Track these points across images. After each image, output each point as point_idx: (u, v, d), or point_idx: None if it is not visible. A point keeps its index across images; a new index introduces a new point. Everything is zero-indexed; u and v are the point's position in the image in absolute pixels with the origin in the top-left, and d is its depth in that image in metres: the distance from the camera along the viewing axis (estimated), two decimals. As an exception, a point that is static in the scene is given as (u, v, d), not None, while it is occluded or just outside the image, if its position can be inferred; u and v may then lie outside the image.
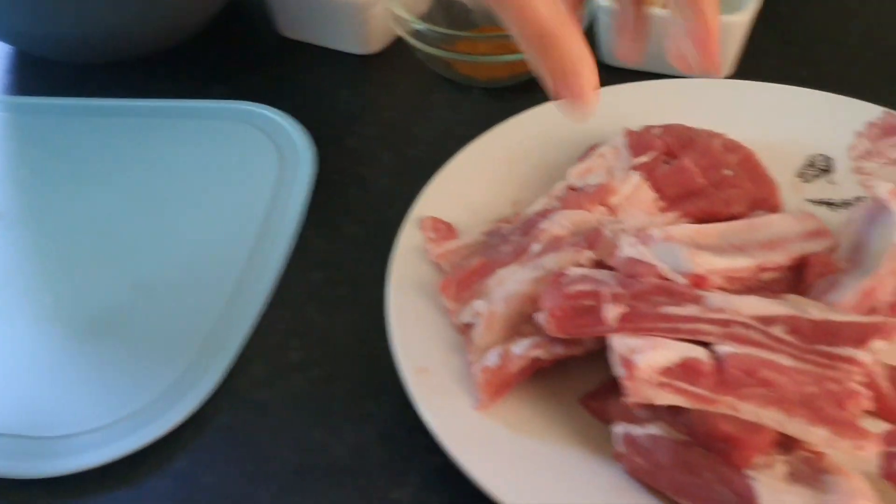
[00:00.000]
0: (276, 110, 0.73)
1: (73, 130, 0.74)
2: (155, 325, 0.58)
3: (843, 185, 0.62)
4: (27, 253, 0.64)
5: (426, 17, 0.77)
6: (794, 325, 0.44)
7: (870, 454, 0.42)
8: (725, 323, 0.45)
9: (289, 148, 0.70)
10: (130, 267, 0.62)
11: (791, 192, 0.63)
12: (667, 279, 0.48)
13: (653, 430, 0.45)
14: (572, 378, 0.51)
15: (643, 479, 0.45)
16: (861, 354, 0.43)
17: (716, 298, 0.46)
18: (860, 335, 0.44)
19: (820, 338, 0.44)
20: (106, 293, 0.60)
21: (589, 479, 0.46)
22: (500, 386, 0.49)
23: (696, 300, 0.46)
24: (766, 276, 0.52)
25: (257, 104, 0.74)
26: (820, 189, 0.63)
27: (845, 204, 0.61)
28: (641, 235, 0.49)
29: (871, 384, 0.47)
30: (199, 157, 0.71)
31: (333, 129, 0.73)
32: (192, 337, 0.57)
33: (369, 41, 0.79)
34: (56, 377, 0.55)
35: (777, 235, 0.54)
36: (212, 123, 0.73)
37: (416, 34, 0.73)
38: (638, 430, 0.45)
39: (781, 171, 0.63)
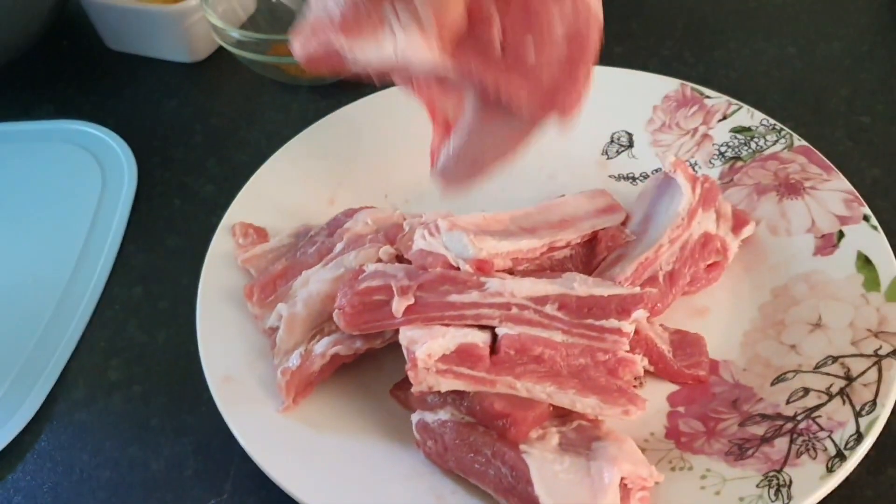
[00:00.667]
0: (99, 127, 0.73)
1: None
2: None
3: (643, 158, 0.65)
4: None
5: (250, 21, 0.77)
6: (563, 303, 0.47)
7: (636, 417, 0.45)
8: (504, 306, 0.47)
9: (112, 164, 0.70)
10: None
11: (597, 170, 0.65)
12: (454, 268, 0.50)
13: (442, 415, 0.47)
14: (383, 370, 0.53)
15: (437, 461, 0.47)
16: (625, 325, 0.46)
17: (494, 283, 0.48)
18: (622, 307, 0.46)
19: (587, 312, 0.47)
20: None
21: (389, 469, 0.48)
22: (303, 385, 0.50)
23: (478, 286, 0.48)
24: (559, 254, 0.55)
25: (81, 122, 0.74)
26: (622, 164, 0.65)
27: (644, 177, 0.64)
28: (431, 227, 0.51)
29: (651, 348, 0.50)
30: (20, 179, 0.70)
31: (159, 140, 0.73)
32: (9, 365, 0.57)
33: (194, 49, 0.79)
34: None
35: (569, 215, 0.56)
36: (34, 145, 0.73)
37: (236, 42, 0.73)
38: (430, 416, 0.47)
39: (587, 151, 0.66)
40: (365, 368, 0.53)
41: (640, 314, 0.46)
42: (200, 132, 0.74)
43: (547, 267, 0.54)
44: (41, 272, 0.63)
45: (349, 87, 0.76)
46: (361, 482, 0.47)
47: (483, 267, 0.50)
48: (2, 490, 0.51)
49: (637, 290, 0.47)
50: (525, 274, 0.51)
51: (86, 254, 0.63)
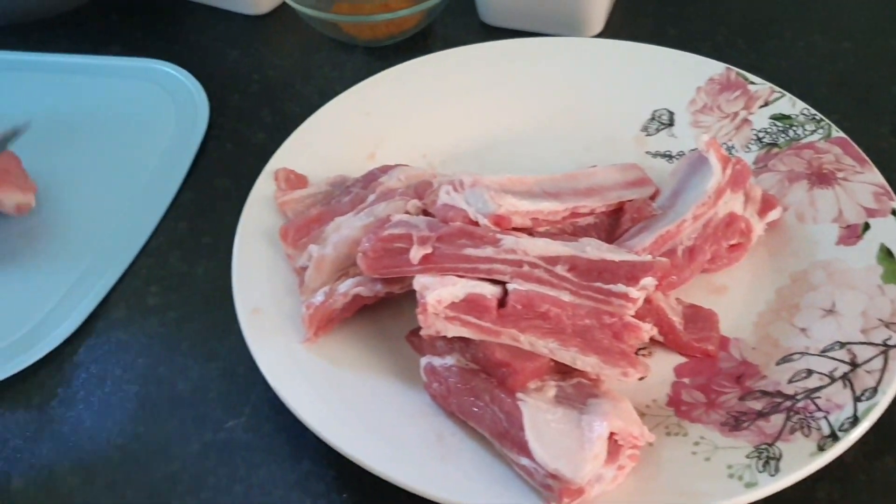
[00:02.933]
0: (178, 68, 0.76)
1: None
2: (29, 269, 0.62)
3: (682, 138, 0.66)
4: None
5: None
6: (574, 264, 0.48)
7: (633, 380, 0.46)
8: (516, 263, 0.49)
9: (188, 105, 0.73)
10: (15, 224, 0.65)
11: (635, 146, 0.66)
12: (473, 223, 0.52)
13: (448, 360, 0.49)
14: (403, 316, 0.55)
15: (441, 403, 0.49)
16: (633, 291, 0.47)
17: (509, 241, 0.49)
18: (631, 273, 0.48)
19: (596, 276, 0.48)
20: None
21: (397, 407, 0.50)
22: (325, 321, 0.52)
23: (494, 242, 0.50)
24: (582, 221, 0.56)
25: (159, 61, 0.77)
26: (661, 142, 0.66)
27: (681, 155, 0.65)
28: (455, 183, 0.53)
29: (662, 318, 0.52)
30: (97, 112, 0.74)
31: (220, 86, 0.76)
32: (60, 284, 0.61)
33: (259, 2, 0.82)
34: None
35: (597, 184, 0.58)
36: (114, 80, 0.77)
37: (298, -3, 0.76)
38: (437, 361, 0.49)
39: (627, 126, 0.67)
40: (385, 313, 0.56)
41: (649, 282, 0.47)
42: (257, 82, 0.77)
43: (569, 232, 0.55)
44: (105, 201, 0.66)
45: (403, 49, 0.78)
46: (370, 416, 0.49)
47: (500, 222, 0.51)
48: (39, 395, 0.55)
49: (647, 257, 0.48)
50: (545, 236, 0.53)
51: (151, 187, 0.67)
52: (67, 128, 0.72)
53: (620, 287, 0.47)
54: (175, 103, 0.74)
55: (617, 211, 0.57)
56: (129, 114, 0.73)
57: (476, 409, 0.47)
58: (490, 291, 0.48)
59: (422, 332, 0.48)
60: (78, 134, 0.72)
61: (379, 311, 0.56)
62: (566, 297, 0.48)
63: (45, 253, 0.63)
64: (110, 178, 0.69)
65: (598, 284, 0.48)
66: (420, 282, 0.48)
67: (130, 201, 0.66)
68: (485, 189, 0.52)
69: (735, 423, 0.48)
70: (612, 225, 0.57)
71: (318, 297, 0.53)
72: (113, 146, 0.71)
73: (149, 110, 0.74)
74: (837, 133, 0.61)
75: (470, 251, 0.50)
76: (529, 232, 0.53)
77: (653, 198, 0.59)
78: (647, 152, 0.66)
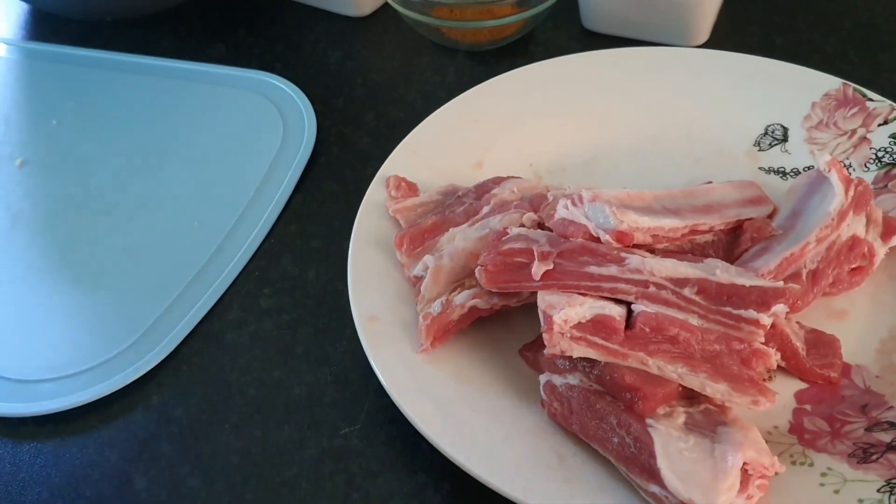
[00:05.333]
0: (283, 79, 0.77)
1: (87, 82, 0.79)
2: (142, 275, 0.63)
3: (796, 154, 0.65)
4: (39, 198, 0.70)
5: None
6: (703, 287, 0.48)
7: (764, 409, 0.46)
8: (642, 283, 0.49)
9: (294, 117, 0.73)
10: (126, 226, 0.67)
11: (747, 161, 0.65)
12: (595, 238, 0.51)
13: (570, 379, 0.49)
14: (515, 330, 0.55)
15: (560, 423, 0.49)
16: (764, 317, 0.46)
17: (634, 260, 0.49)
18: (762, 299, 0.47)
19: (726, 300, 0.47)
20: (103, 247, 0.66)
21: (512, 422, 0.50)
22: (441, 331, 0.53)
23: (618, 261, 0.49)
24: (701, 238, 0.56)
25: (265, 73, 0.77)
26: (774, 158, 0.65)
27: (796, 173, 0.64)
28: (574, 197, 0.53)
29: (785, 344, 0.51)
30: (207, 119, 0.75)
31: (323, 89, 0.77)
32: (172, 287, 0.62)
33: (361, 3, 0.82)
34: (46, 322, 0.61)
35: (715, 201, 0.57)
36: (220, 89, 0.77)
37: (402, 0, 0.76)
38: (558, 379, 0.49)
39: (739, 140, 0.66)
40: (499, 326, 0.56)
41: (780, 308, 0.47)
42: (361, 85, 0.77)
43: (688, 250, 0.55)
44: (215, 208, 0.67)
45: (506, 54, 0.78)
46: (487, 430, 0.49)
47: (623, 238, 0.51)
48: (158, 397, 0.57)
49: (780, 283, 0.48)
50: (665, 254, 0.52)
51: (259, 196, 0.67)
52: (173, 135, 0.74)
53: (751, 313, 0.47)
54: (281, 114, 0.74)
55: (735, 229, 0.57)
56: (237, 121, 0.74)
57: (601, 433, 0.46)
58: (618, 312, 0.48)
59: (546, 352, 0.48)
60: (187, 141, 0.73)
61: (491, 322, 0.56)
62: (694, 320, 0.48)
63: (159, 254, 0.65)
64: (222, 183, 0.69)
65: (728, 309, 0.47)
66: (546, 300, 0.48)
67: (244, 206, 0.67)
68: (605, 204, 0.52)
69: (863, 455, 0.47)
70: (731, 243, 0.56)
71: (435, 308, 0.53)
72: (223, 152, 0.72)
73: (255, 118, 0.74)
74: (962, 154, 0.60)
75: (593, 269, 0.50)
76: (650, 250, 0.53)
77: (770, 216, 0.58)
78: (760, 168, 0.65)
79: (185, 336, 0.59)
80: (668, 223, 0.53)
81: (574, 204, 0.53)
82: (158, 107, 0.76)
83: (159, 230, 0.66)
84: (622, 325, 0.48)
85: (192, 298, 0.61)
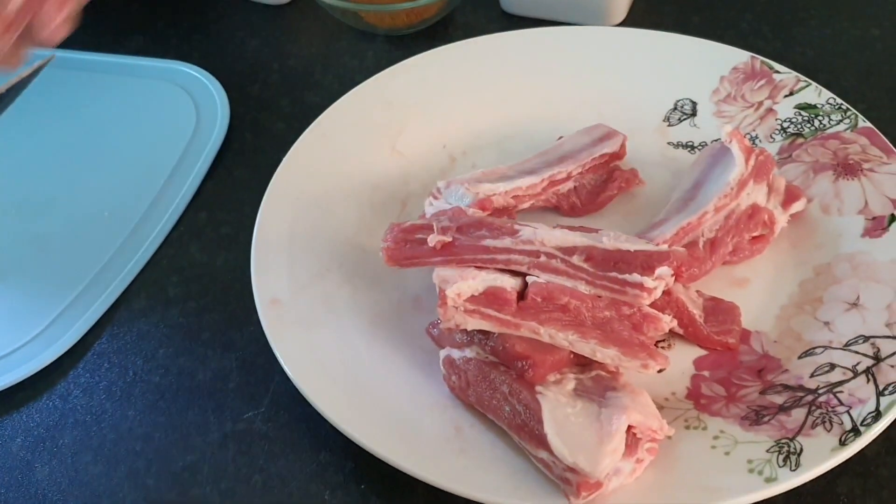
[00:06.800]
0: (198, 69, 0.76)
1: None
2: (50, 266, 0.63)
3: (704, 128, 0.65)
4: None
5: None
6: (591, 254, 0.48)
7: (653, 372, 0.46)
8: (533, 253, 0.49)
9: (207, 105, 0.73)
10: (35, 219, 0.66)
11: (656, 136, 0.65)
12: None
13: (468, 352, 0.49)
14: (423, 309, 0.55)
15: (459, 396, 0.49)
16: (648, 280, 0.47)
17: (527, 231, 0.49)
18: (647, 263, 0.47)
19: (612, 266, 0.48)
20: (9, 240, 0.65)
21: (415, 398, 0.50)
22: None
23: (512, 233, 0.50)
24: (563, 187, 0.58)
25: (180, 62, 0.77)
26: (683, 132, 0.65)
27: (704, 146, 0.64)
28: (434, 192, 0.56)
29: (682, 311, 0.51)
30: (121, 111, 0.74)
31: (239, 76, 0.76)
32: (82, 275, 0.61)
33: (279, -9, 0.82)
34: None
35: (567, 151, 0.60)
36: (135, 80, 0.76)
37: (317, -16, 0.76)
38: (456, 353, 0.49)
39: (649, 116, 0.66)
40: (404, 306, 0.56)
41: (664, 272, 0.47)
42: (277, 72, 0.77)
43: (553, 202, 0.58)
44: (125, 197, 0.66)
45: (424, 38, 0.78)
46: (388, 407, 0.49)
47: (483, 205, 0.53)
48: (63, 384, 0.56)
49: (664, 247, 0.48)
50: (532, 210, 0.56)
51: (170, 183, 0.67)
52: (86, 128, 0.73)
53: (636, 277, 0.47)
54: (195, 102, 0.74)
55: (600, 173, 0.60)
56: (150, 112, 0.74)
57: (495, 402, 0.46)
58: (510, 284, 0.48)
59: (441, 325, 0.48)
60: (100, 133, 0.72)
61: (399, 304, 0.56)
62: (583, 287, 0.48)
63: (67, 245, 0.64)
64: (134, 174, 0.69)
65: (614, 274, 0.47)
66: (440, 275, 0.48)
67: (154, 195, 0.66)
68: (458, 185, 0.54)
69: (756, 418, 0.47)
70: (598, 189, 0.59)
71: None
72: (136, 142, 0.71)
73: (169, 108, 0.73)
74: (864, 123, 0.60)
75: (489, 242, 0.50)
76: (513, 210, 0.56)
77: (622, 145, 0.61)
78: (669, 143, 0.65)
79: (90, 326, 0.58)
80: (526, 181, 0.56)
81: (434, 197, 0.55)
82: (72, 100, 0.75)
83: (69, 222, 0.65)
84: (514, 297, 0.48)
85: (99, 288, 0.60)
